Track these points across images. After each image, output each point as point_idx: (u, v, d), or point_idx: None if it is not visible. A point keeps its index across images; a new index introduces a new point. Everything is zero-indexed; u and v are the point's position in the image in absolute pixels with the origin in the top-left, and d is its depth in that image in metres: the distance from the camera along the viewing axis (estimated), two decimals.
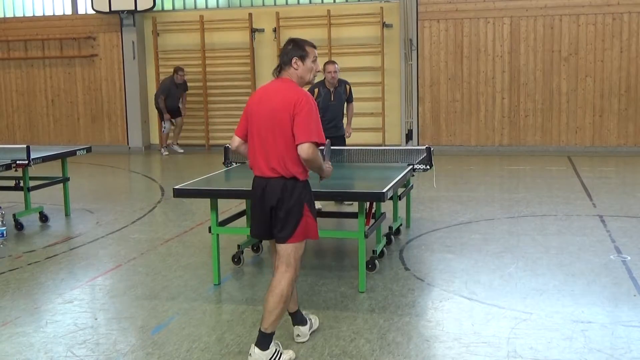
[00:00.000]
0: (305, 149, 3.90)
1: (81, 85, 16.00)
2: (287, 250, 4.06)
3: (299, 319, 4.37)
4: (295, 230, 4.03)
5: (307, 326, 4.38)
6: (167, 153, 14.63)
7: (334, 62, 8.25)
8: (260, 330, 3.99)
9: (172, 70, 15.48)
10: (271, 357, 3.95)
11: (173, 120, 14.59)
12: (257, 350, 3.94)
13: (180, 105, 14.78)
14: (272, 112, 3.99)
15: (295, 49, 4.07)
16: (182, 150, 14.76)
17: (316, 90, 8.24)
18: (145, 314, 4.93)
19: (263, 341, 3.96)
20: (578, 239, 6.76)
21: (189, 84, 15.41)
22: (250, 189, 4.17)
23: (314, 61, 4.13)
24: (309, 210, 4.07)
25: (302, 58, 4.08)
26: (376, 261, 5.79)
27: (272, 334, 4.00)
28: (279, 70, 4.15)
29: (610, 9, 13.23)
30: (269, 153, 4.00)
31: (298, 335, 4.34)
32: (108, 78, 15.82)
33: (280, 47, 14.54)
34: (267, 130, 4.00)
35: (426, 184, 9.28)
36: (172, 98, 14.44)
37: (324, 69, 8.10)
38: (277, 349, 4.02)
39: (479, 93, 13.95)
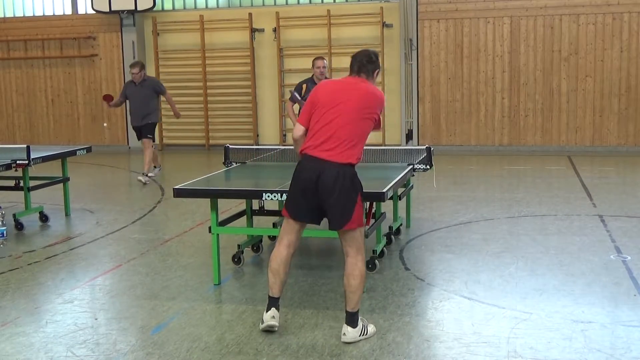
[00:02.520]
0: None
1: (81, 85, 16.01)
2: (355, 236, 4.34)
3: (277, 304, 4.46)
4: (352, 216, 4.29)
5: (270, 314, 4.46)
6: (140, 179, 10.71)
7: (323, 58, 8.82)
8: (347, 311, 4.31)
9: (172, 70, 15.56)
10: (361, 332, 4.32)
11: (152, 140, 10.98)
12: (349, 329, 4.29)
13: (148, 111, 10.81)
14: (357, 104, 4.30)
15: (378, 63, 4.49)
16: (147, 181, 10.63)
17: (304, 85, 8.54)
18: (145, 314, 4.93)
19: (352, 320, 4.31)
20: (578, 239, 6.76)
21: (189, 84, 15.41)
22: (298, 170, 4.37)
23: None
24: (361, 198, 4.39)
25: (378, 73, 4.53)
26: (376, 261, 5.79)
27: (358, 311, 4.34)
28: (359, 72, 4.45)
29: (610, 9, 13.24)
30: (342, 139, 4.25)
31: (273, 317, 4.42)
32: (108, 78, 15.82)
33: (279, 47, 14.61)
34: (348, 119, 4.27)
35: (426, 184, 9.28)
36: (133, 100, 10.90)
37: (313, 65, 8.65)
38: (364, 324, 4.38)
39: (479, 93, 13.95)
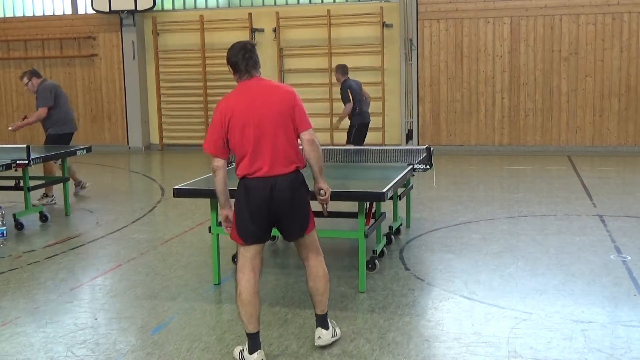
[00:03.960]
0: (312, 133, 4.06)
1: (81, 85, 16.01)
2: (312, 238, 4.20)
3: (260, 341, 4.07)
4: (310, 219, 4.15)
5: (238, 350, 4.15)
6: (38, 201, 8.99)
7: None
8: (318, 315, 4.25)
9: (172, 70, 15.56)
10: (333, 334, 4.28)
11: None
12: (323, 331, 4.24)
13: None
14: (277, 108, 3.99)
15: (254, 48, 4.11)
16: (46, 203, 9.06)
17: None
18: (145, 314, 4.93)
19: (325, 322, 4.26)
20: (578, 239, 6.76)
21: (189, 84, 15.42)
22: (247, 194, 3.98)
23: None
24: (309, 198, 4.21)
25: None
26: (376, 261, 5.79)
27: (327, 312, 4.30)
28: (250, 71, 4.06)
29: (610, 9, 13.23)
30: (281, 149, 3.97)
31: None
32: (108, 78, 15.82)
33: (279, 47, 14.60)
34: (277, 127, 3.97)
35: (426, 184, 9.28)
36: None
37: None
38: (332, 325, 4.33)
39: (479, 93, 13.95)
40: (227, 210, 4.14)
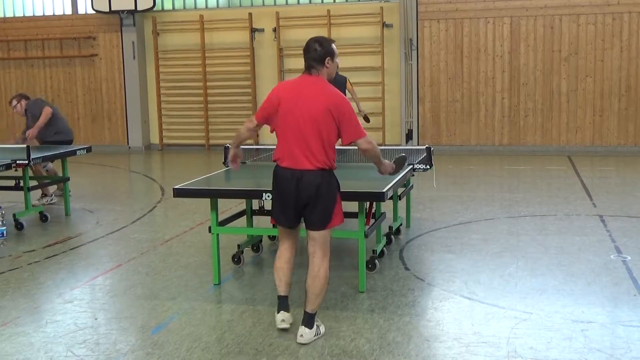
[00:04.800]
0: (364, 143, 4.29)
1: (81, 85, 16.01)
2: (325, 236, 4.36)
3: (286, 304, 4.53)
4: (332, 217, 4.32)
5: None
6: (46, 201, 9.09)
7: None
8: (307, 312, 4.33)
9: (172, 70, 15.56)
10: (315, 333, 4.35)
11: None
12: (306, 330, 4.31)
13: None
14: (317, 109, 4.22)
15: (325, 49, 4.35)
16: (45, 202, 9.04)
17: None
18: (145, 314, 4.93)
19: (310, 321, 4.33)
20: (578, 239, 6.76)
21: (189, 84, 15.45)
22: (277, 180, 4.37)
23: (337, 58, 4.46)
24: (340, 197, 4.40)
25: (332, 57, 4.39)
26: (376, 261, 5.79)
27: (316, 312, 4.38)
28: (309, 68, 4.35)
29: (610, 9, 13.24)
30: (310, 147, 4.21)
31: (283, 321, 4.50)
32: (108, 78, 15.83)
33: (279, 47, 14.60)
34: (311, 126, 4.22)
35: (426, 184, 9.28)
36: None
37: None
38: (317, 324, 4.40)
39: (479, 93, 13.95)
40: (236, 150, 4.76)
